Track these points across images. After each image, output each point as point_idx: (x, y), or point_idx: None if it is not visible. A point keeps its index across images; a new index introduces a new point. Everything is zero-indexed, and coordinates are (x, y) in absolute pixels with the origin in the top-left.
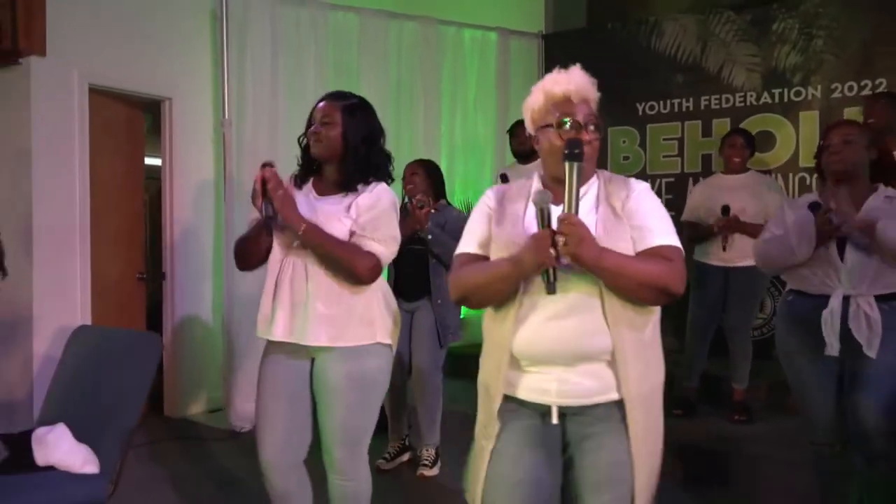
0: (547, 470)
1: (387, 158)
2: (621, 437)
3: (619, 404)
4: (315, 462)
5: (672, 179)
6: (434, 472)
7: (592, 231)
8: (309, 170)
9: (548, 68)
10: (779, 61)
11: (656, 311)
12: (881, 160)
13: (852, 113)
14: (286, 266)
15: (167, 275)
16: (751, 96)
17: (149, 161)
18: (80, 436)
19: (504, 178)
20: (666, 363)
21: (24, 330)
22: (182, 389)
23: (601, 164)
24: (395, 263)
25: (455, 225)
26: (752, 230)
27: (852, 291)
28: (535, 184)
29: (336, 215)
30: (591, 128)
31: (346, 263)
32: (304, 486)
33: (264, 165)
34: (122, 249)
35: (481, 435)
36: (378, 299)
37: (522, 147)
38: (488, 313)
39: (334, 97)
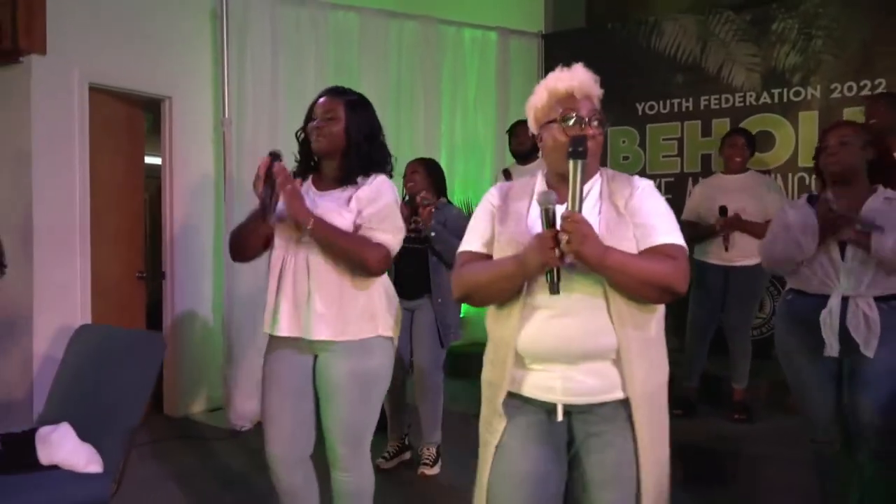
0: (553, 465)
1: (387, 153)
2: (627, 436)
3: (625, 403)
4: (317, 458)
5: (672, 179)
6: (435, 470)
7: (595, 229)
8: (307, 165)
9: (548, 68)
10: (778, 61)
11: (660, 310)
12: (882, 161)
13: (852, 113)
14: (288, 262)
15: (167, 274)
16: (750, 96)
17: (149, 160)
18: (82, 435)
19: (507, 174)
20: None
21: (24, 329)
22: (182, 388)
23: (601, 163)
24: (396, 262)
25: (455, 223)
26: (753, 228)
27: (851, 292)
28: (539, 182)
29: (336, 210)
30: (595, 123)
31: (356, 255)
32: (311, 482)
33: (272, 155)
34: (122, 248)
35: (485, 430)
36: (380, 293)
37: (522, 147)
38: (491, 311)
39: (336, 92)
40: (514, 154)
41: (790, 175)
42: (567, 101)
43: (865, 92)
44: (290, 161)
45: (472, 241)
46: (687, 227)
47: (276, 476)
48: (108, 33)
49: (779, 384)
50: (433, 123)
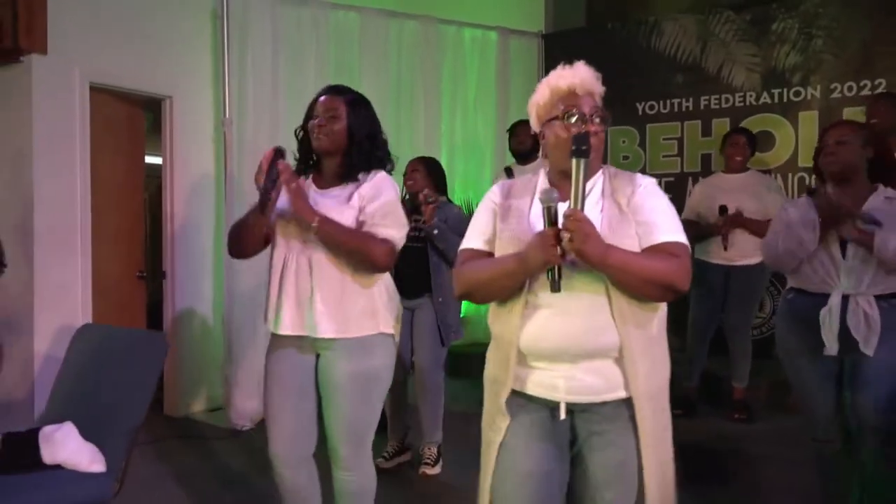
0: (556, 463)
1: (387, 151)
2: (629, 435)
3: (627, 402)
4: (318, 458)
5: (672, 179)
6: (436, 470)
7: (598, 226)
8: (306, 163)
9: (548, 68)
10: (778, 61)
11: (662, 308)
12: (882, 160)
13: (852, 113)
14: (290, 261)
15: (167, 273)
16: (750, 96)
17: (149, 160)
18: (85, 434)
19: (509, 172)
20: None
21: (24, 329)
22: (182, 388)
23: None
24: (396, 261)
25: (456, 222)
26: (755, 226)
27: (852, 291)
28: (542, 179)
29: (337, 208)
30: (597, 120)
31: (363, 252)
32: (314, 481)
33: (276, 150)
34: (122, 248)
35: (488, 428)
36: (381, 290)
37: (522, 147)
38: (492, 308)
39: (336, 91)
40: (514, 154)
41: (790, 175)
42: (569, 97)
43: (865, 92)
44: (290, 161)
45: (473, 238)
46: (687, 227)
47: (279, 476)
48: (108, 33)
49: (779, 384)
50: (433, 123)
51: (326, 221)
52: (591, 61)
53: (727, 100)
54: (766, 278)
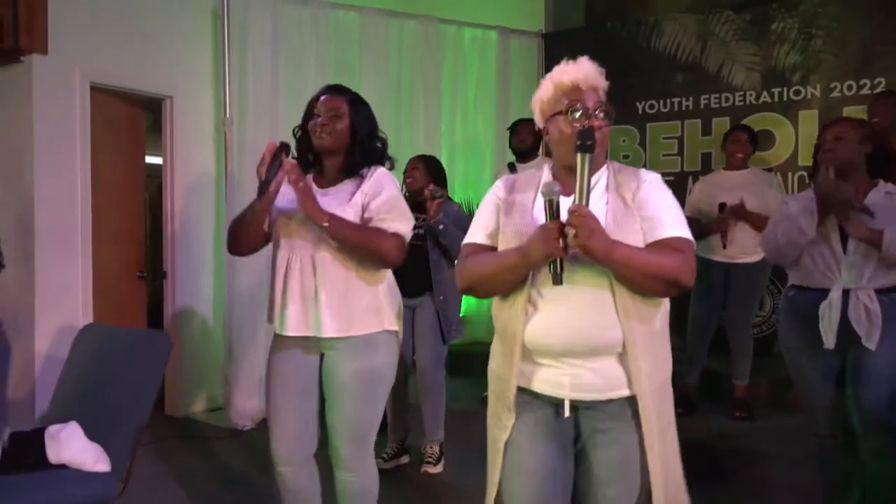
0: (560, 461)
1: (386, 148)
2: (633, 433)
3: (631, 400)
4: (319, 459)
5: (672, 178)
6: (438, 468)
7: (602, 221)
8: (306, 162)
9: (548, 67)
10: (778, 61)
11: (665, 303)
12: (885, 157)
13: (852, 112)
14: (293, 260)
15: (168, 273)
16: (750, 95)
17: (149, 159)
18: (89, 434)
19: (512, 168)
20: None
21: (25, 329)
22: (183, 388)
23: None
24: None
25: (455, 220)
26: (756, 220)
27: (853, 285)
28: (546, 174)
29: (339, 206)
30: (601, 115)
31: (373, 247)
32: (314, 481)
33: (282, 144)
34: (122, 248)
35: (494, 426)
36: (383, 288)
37: (522, 145)
38: (496, 302)
39: (337, 90)
40: (515, 152)
41: (790, 174)
42: (573, 92)
43: (865, 91)
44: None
45: (476, 233)
46: (688, 224)
47: (280, 476)
48: (109, 33)
49: (780, 381)
50: (433, 123)
51: (336, 220)
52: (591, 61)
53: (727, 99)
54: (766, 276)
